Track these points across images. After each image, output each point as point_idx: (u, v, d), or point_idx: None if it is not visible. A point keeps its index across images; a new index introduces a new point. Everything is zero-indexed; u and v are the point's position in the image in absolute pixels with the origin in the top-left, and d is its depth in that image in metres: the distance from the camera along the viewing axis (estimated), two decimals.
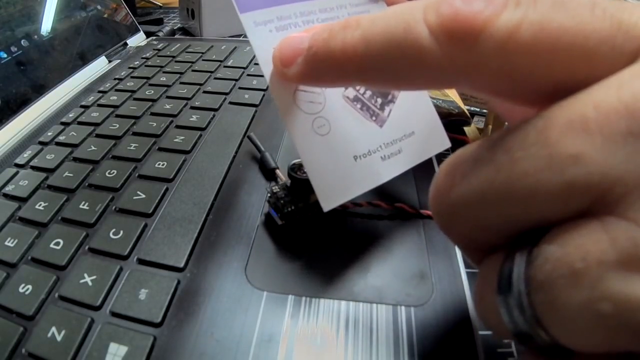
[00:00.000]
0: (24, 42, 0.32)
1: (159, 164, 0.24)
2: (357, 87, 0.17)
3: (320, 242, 0.19)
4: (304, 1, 0.16)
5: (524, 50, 0.08)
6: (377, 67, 0.10)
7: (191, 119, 0.28)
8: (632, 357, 0.07)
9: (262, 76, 0.35)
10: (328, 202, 0.16)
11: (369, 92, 0.18)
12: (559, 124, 0.08)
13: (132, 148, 0.25)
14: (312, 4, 0.16)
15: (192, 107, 0.30)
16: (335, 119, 0.16)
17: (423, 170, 0.24)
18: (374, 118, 0.18)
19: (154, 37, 0.48)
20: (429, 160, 0.25)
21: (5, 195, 0.22)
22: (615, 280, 0.07)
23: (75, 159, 0.25)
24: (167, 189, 0.22)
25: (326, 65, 0.11)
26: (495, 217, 0.09)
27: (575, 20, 0.08)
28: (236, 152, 0.25)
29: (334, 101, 0.17)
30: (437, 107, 0.20)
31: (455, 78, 0.09)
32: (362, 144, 0.17)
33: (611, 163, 0.07)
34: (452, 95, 0.29)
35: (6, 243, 0.19)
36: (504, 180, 0.08)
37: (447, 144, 0.19)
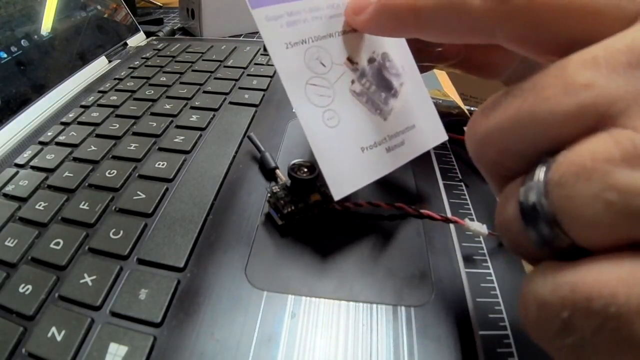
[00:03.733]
0: (24, 42, 0.32)
1: (159, 164, 0.24)
2: (363, 82, 0.18)
3: (321, 242, 0.19)
4: None
5: (546, 6, 0.11)
6: (431, 18, 0.13)
7: (191, 119, 0.28)
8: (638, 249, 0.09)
9: (262, 76, 0.35)
10: (339, 191, 0.16)
11: (373, 87, 0.18)
12: (575, 62, 0.10)
13: (132, 148, 0.25)
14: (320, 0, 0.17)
15: (192, 107, 0.30)
16: (343, 112, 0.17)
17: (423, 171, 0.24)
18: (378, 111, 0.18)
19: (154, 37, 0.48)
20: (429, 160, 0.25)
21: (5, 195, 0.22)
22: (619, 174, 0.09)
23: (75, 159, 0.25)
24: (167, 189, 0.22)
25: (390, 15, 0.15)
26: (521, 140, 0.11)
27: None
28: (236, 152, 0.25)
29: (342, 95, 0.17)
30: (437, 106, 0.21)
31: (491, 28, 0.12)
32: (368, 136, 0.18)
33: (613, 87, 0.09)
34: (452, 95, 0.29)
35: (6, 243, 0.19)
36: (530, 105, 0.10)
37: (445, 137, 0.20)
